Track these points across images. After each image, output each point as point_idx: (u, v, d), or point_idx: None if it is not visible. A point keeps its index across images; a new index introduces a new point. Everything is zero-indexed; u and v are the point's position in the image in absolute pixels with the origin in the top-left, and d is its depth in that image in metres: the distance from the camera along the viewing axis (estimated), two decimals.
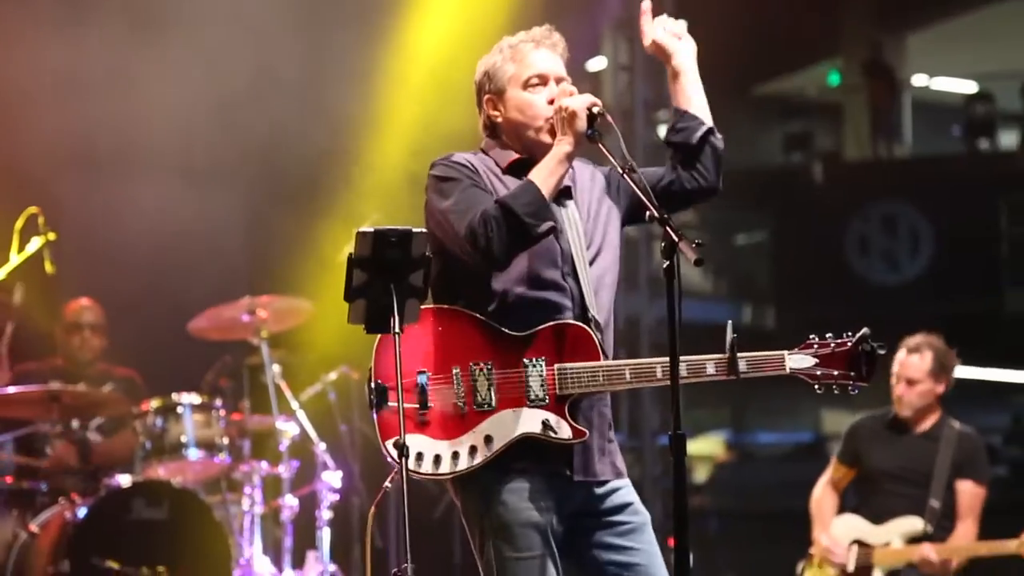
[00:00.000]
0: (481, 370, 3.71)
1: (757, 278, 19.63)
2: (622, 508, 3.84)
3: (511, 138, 3.91)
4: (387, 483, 3.80)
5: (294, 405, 7.94)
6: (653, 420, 10.35)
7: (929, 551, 6.44)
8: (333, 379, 8.49)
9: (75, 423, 7.61)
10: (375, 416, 3.72)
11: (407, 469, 3.65)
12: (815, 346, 3.82)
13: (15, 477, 7.58)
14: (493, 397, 3.70)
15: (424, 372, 3.72)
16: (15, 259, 7.42)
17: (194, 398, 7.67)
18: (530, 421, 3.70)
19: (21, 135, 8.66)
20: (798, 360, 3.81)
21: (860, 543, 6.61)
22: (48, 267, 7.47)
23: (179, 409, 7.61)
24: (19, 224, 7.45)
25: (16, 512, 7.32)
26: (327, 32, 9.44)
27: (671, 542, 3.69)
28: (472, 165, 3.84)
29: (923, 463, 6.63)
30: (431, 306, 3.82)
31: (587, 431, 3.74)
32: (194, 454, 7.60)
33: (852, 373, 3.81)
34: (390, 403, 3.68)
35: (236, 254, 9.72)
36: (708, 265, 19.06)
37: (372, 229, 3.82)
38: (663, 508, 9.45)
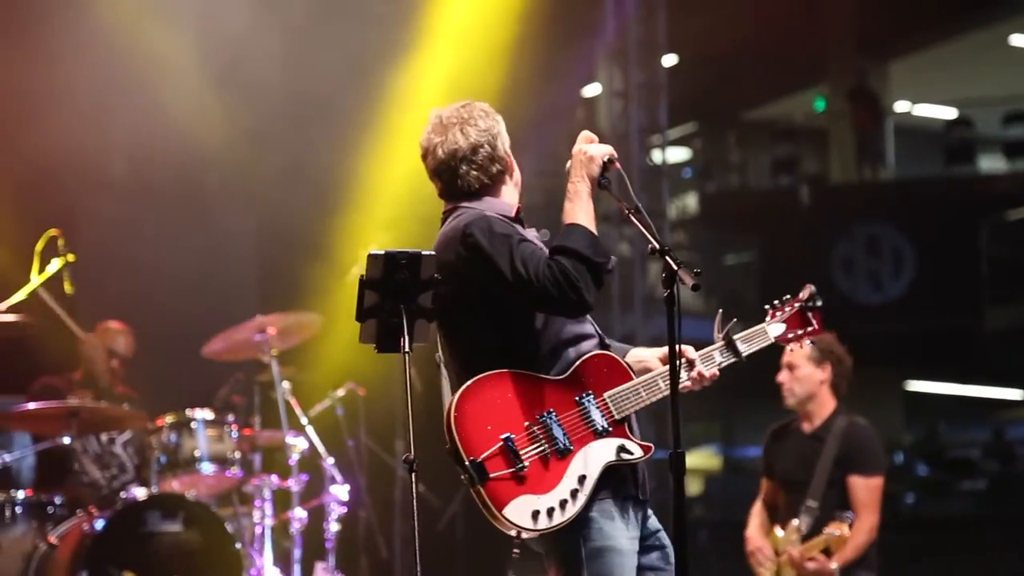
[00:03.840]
0: (549, 419, 3.74)
1: (745, 297, 19.65)
2: (657, 531, 3.94)
3: (499, 192, 3.98)
4: (515, 551, 3.80)
5: (303, 420, 7.95)
6: (647, 434, 10.34)
7: (794, 553, 6.27)
8: (341, 395, 8.50)
9: (103, 438, 7.64)
10: (480, 491, 3.68)
11: (416, 485, 3.70)
12: (778, 313, 4.14)
13: (35, 489, 7.59)
14: (569, 440, 3.73)
15: (509, 435, 3.71)
16: (35, 279, 7.44)
17: (207, 414, 7.68)
18: (607, 450, 3.78)
19: (41, 155, 8.69)
20: (775, 328, 4.13)
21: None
22: (67, 287, 7.49)
23: (192, 424, 7.62)
24: (40, 246, 7.47)
25: (35, 523, 7.32)
26: (347, 55, 9.45)
27: None
28: (508, 220, 3.89)
29: (810, 463, 6.39)
30: (485, 375, 3.77)
31: (652, 445, 3.85)
32: (207, 468, 7.61)
33: (809, 328, 4.17)
34: (491, 475, 3.67)
35: (246, 273, 9.74)
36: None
37: (383, 252, 3.85)
38: (671, 521, 9.42)
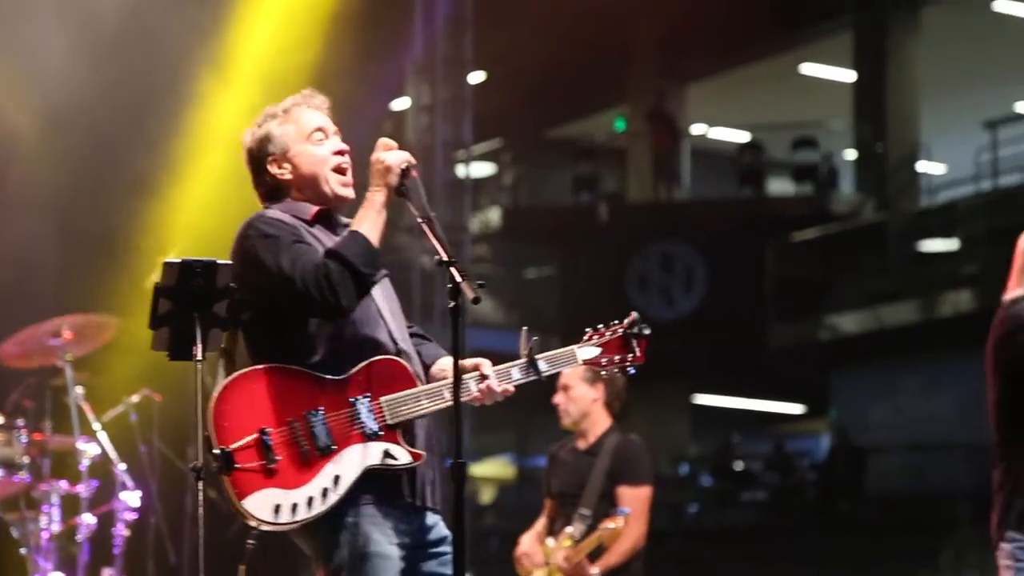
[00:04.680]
0: (314, 417, 3.70)
1: (545, 310, 19.85)
2: (442, 540, 3.87)
3: (302, 193, 3.92)
4: (249, 541, 3.74)
5: (96, 426, 7.77)
6: (442, 443, 10.40)
7: (559, 556, 6.39)
8: (135, 401, 8.33)
9: None
10: (225, 480, 3.65)
11: (205, 494, 3.62)
12: (595, 336, 3.98)
13: None
14: (333, 439, 3.70)
15: (265, 428, 3.67)
16: None
17: None
18: (371, 454, 3.72)
19: None
20: (586, 351, 3.96)
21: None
22: None
23: None
24: None
25: None
26: (148, 57, 9.25)
27: None
28: (290, 221, 3.83)
29: (583, 477, 6.44)
30: (254, 367, 3.74)
31: (423, 452, 3.77)
32: None
33: (629, 355, 3.98)
34: (237, 464, 3.63)
35: (46, 275, 9.46)
36: (501, 297, 19.25)
37: (179, 260, 3.79)
38: (451, 529, 9.47)
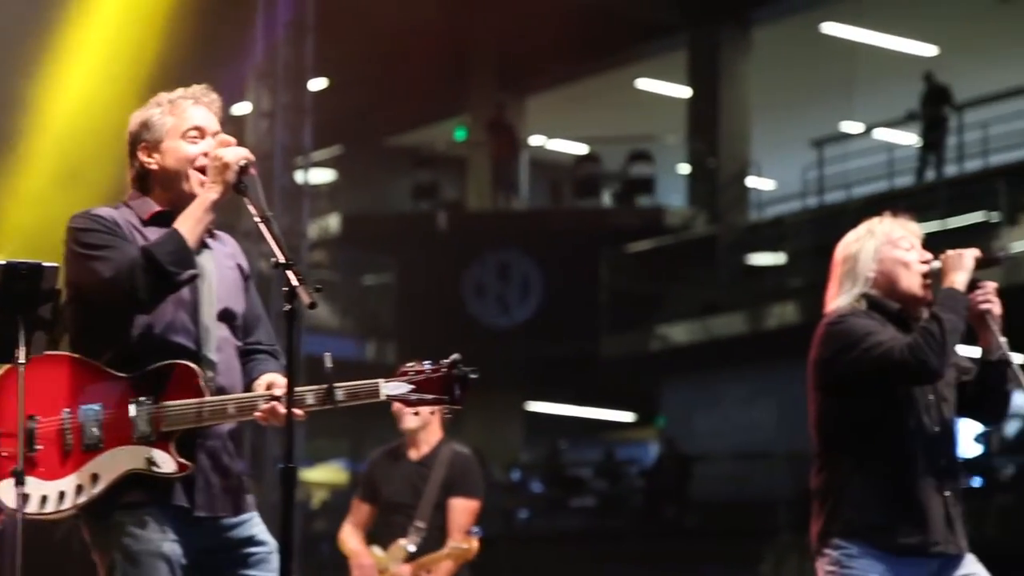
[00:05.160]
0: (89, 411, 3.64)
1: (382, 316, 19.81)
2: (247, 541, 3.80)
3: (163, 187, 3.82)
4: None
5: None
6: (274, 447, 10.28)
7: (404, 570, 6.43)
8: None
9: None
10: None
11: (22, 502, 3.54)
12: (410, 373, 3.75)
13: None
14: (101, 437, 3.63)
15: (33, 417, 3.63)
16: None
17: None
18: (136, 457, 3.65)
19: None
20: (393, 387, 3.74)
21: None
22: None
23: None
24: None
25: None
26: None
27: None
28: (112, 218, 3.76)
29: (417, 488, 6.47)
30: (41, 356, 3.70)
31: (192, 465, 3.68)
32: None
33: (446, 397, 3.74)
34: None
35: None
36: (337, 303, 19.14)
37: (3, 262, 3.70)
38: (279, 534, 9.37)
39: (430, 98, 19.97)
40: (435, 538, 6.40)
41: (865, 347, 3.70)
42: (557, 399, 21.00)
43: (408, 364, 3.77)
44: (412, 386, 3.75)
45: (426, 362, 3.76)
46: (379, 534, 6.61)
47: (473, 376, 3.74)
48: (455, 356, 3.76)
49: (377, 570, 6.50)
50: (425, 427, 6.54)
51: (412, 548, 6.40)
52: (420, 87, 18.88)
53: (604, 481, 18.81)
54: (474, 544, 6.33)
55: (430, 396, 3.75)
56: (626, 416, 22.67)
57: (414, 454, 6.58)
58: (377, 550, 6.53)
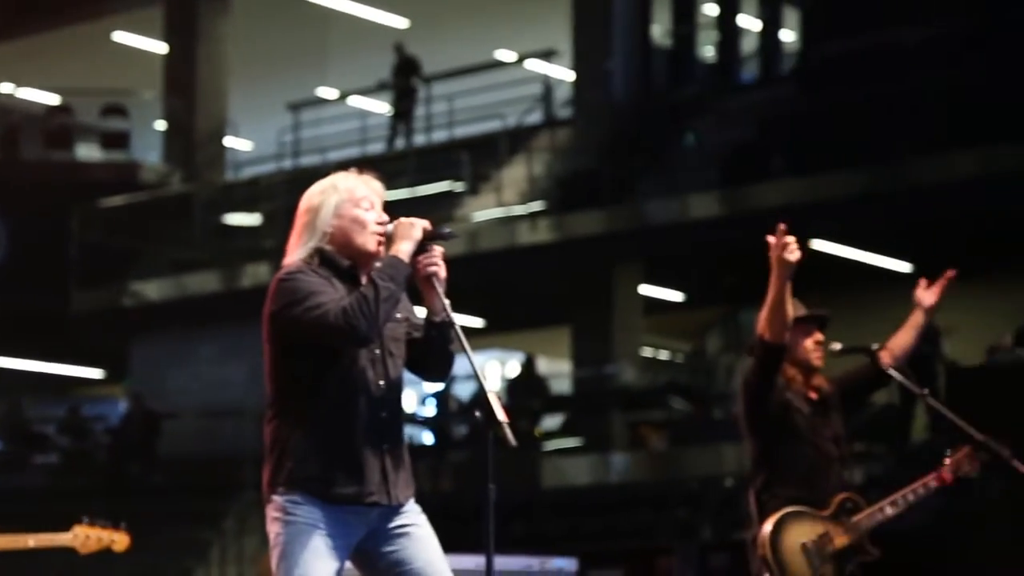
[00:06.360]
0: None
1: None
2: None
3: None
4: None
5: None
6: None
7: None
8: None
9: None
10: None
11: None
12: None
13: None
14: None
15: None
16: None
17: None
18: None
19: None
20: None
21: None
22: None
23: None
24: None
25: None
26: None
27: None
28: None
29: None
30: None
31: None
32: None
33: None
34: None
35: None
36: None
37: None
38: None
39: None
40: None
41: (306, 307, 3.81)
42: (22, 354, 20.15)
43: None
44: None
45: None
46: None
47: None
48: None
49: None
50: None
51: None
52: None
53: (68, 438, 18.28)
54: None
55: None
56: (94, 373, 22.08)
57: None
58: None
